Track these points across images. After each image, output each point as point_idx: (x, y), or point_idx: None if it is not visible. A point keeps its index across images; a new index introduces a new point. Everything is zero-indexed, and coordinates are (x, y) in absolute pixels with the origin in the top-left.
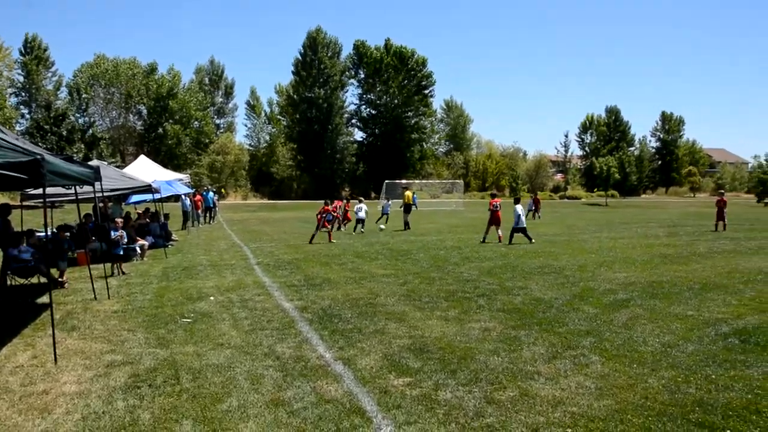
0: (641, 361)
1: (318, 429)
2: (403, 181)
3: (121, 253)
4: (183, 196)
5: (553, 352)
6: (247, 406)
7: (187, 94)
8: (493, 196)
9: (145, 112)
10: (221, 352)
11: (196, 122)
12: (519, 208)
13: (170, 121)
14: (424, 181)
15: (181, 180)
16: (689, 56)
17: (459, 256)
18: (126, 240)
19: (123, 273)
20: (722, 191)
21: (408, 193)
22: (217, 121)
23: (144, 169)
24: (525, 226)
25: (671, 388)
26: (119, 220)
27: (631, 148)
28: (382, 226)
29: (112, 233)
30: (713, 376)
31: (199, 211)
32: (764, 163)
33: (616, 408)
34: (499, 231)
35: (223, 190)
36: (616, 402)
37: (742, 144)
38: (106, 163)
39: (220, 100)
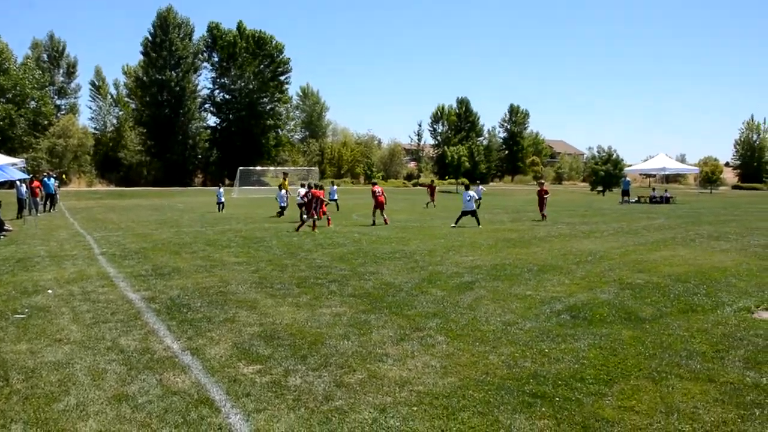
0: (483, 339)
1: (163, 422)
2: (258, 168)
3: None
4: (18, 183)
5: (401, 334)
6: (87, 403)
7: (21, 70)
8: (373, 184)
9: None
10: (59, 348)
11: (32, 102)
12: (470, 193)
13: (1, 99)
14: (279, 168)
15: (15, 165)
16: (535, 52)
17: (312, 242)
18: None
19: None
20: (542, 182)
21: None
22: (58, 102)
23: None
24: (475, 209)
25: (509, 363)
26: None
27: (481, 138)
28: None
29: None
30: (546, 350)
31: (38, 199)
32: (596, 154)
33: (459, 384)
34: (384, 214)
35: (64, 176)
36: (459, 379)
37: (578, 136)
38: None
39: (61, 79)
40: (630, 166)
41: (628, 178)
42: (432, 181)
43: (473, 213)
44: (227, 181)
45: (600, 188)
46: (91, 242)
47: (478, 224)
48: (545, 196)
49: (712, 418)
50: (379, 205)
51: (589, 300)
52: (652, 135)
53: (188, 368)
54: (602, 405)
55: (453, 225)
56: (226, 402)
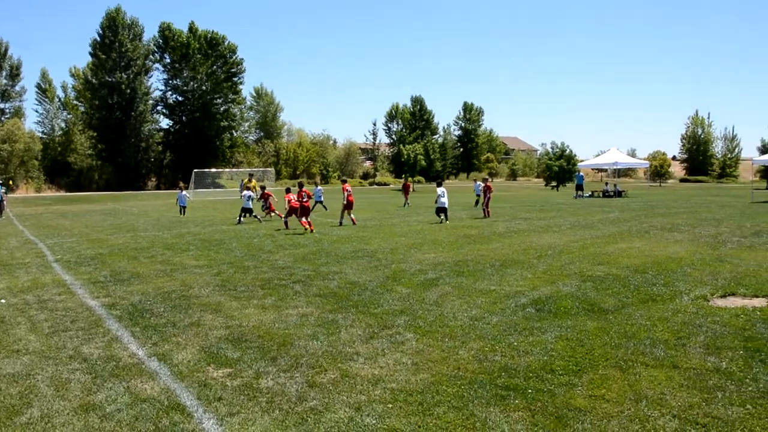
0: (452, 335)
1: (135, 430)
2: (213, 170)
3: None
4: None
5: (370, 333)
6: (52, 415)
7: None
8: (344, 182)
9: None
10: (18, 359)
11: None
12: (442, 190)
13: None
14: (234, 170)
15: None
16: (488, 49)
17: (273, 243)
18: None
19: None
20: (487, 178)
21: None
22: (2, 106)
23: None
24: (446, 206)
25: (480, 357)
26: None
27: (436, 136)
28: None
29: None
30: (515, 343)
31: None
32: (550, 150)
33: (432, 380)
34: (352, 214)
35: (10, 182)
36: (431, 375)
37: (532, 133)
38: None
39: (5, 81)
40: (583, 161)
41: (581, 173)
42: (407, 180)
43: (445, 210)
44: (181, 184)
45: (554, 184)
46: (44, 249)
47: (446, 220)
48: (488, 194)
49: (679, 403)
50: (349, 205)
51: (552, 293)
52: (603, 130)
53: (156, 374)
54: (573, 395)
55: (439, 221)
56: (197, 407)
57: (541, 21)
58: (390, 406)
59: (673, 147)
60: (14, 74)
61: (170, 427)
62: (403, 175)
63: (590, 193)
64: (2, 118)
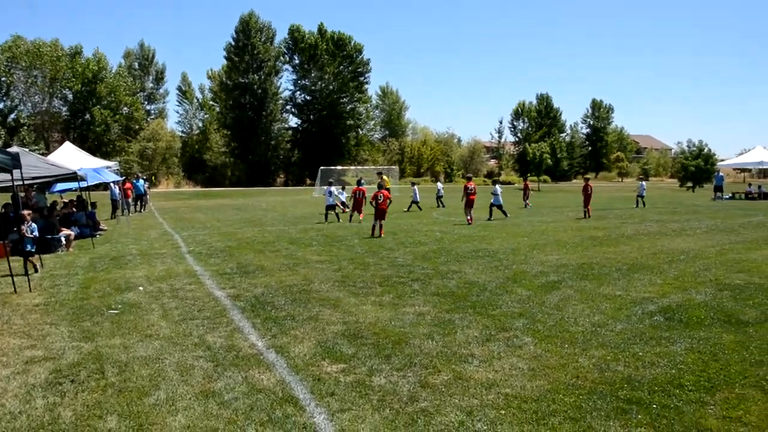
0: (572, 341)
1: (249, 419)
2: (338, 167)
3: (29, 248)
4: (111, 184)
5: (486, 335)
6: (176, 398)
7: (115, 79)
8: (468, 178)
9: (70, 96)
10: (149, 343)
11: (125, 108)
12: (497, 188)
13: (98, 106)
14: (360, 167)
15: (109, 167)
16: (617, 45)
17: (394, 241)
18: (35, 234)
19: (36, 270)
20: (588, 177)
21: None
22: (148, 107)
23: (69, 156)
24: (501, 203)
25: (601, 366)
26: (26, 212)
27: (563, 135)
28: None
29: (24, 227)
30: (640, 354)
31: (129, 200)
32: (686, 149)
33: (549, 388)
34: (471, 213)
35: (153, 178)
36: (548, 382)
37: (667, 131)
38: (26, 149)
39: (151, 85)
40: (723, 160)
41: (721, 173)
42: (526, 180)
43: (500, 206)
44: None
45: (690, 184)
46: (179, 241)
47: (506, 216)
48: (589, 193)
49: None
50: (470, 203)
51: (683, 301)
52: (747, 128)
53: (273, 366)
54: (704, 414)
55: (488, 219)
56: (310, 401)
57: (674, 15)
58: (503, 412)
59: None
60: (159, 78)
61: (282, 419)
62: (528, 174)
63: (731, 194)
64: (148, 119)
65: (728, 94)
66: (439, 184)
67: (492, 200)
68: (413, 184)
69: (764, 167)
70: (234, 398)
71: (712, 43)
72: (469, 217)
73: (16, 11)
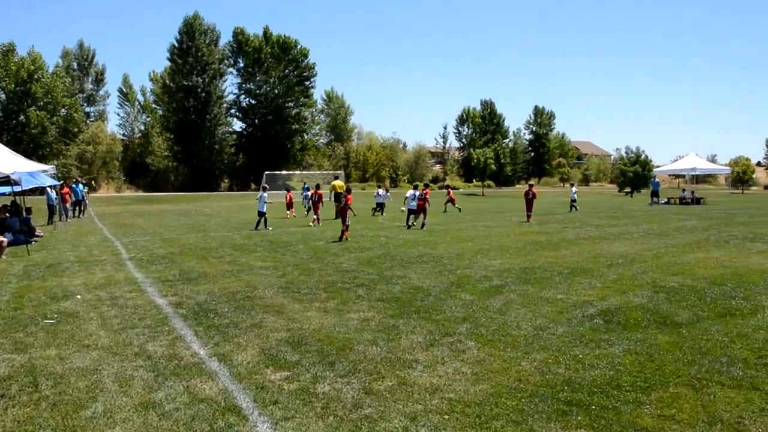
0: (515, 344)
1: (191, 430)
2: (284, 172)
3: None
4: (48, 189)
5: (430, 340)
6: (114, 410)
7: (52, 79)
8: (425, 186)
9: (3, 97)
10: (87, 354)
11: (63, 109)
12: (413, 193)
13: (33, 107)
14: (305, 172)
15: (45, 171)
16: (559, 53)
17: (339, 247)
18: None
19: None
20: (531, 183)
21: (337, 182)
22: (87, 110)
23: (2, 159)
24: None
25: (542, 369)
26: None
27: (506, 140)
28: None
29: None
30: (580, 356)
31: (67, 205)
32: (624, 155)
33: (491, 392)
34: (418, 220)
35: (93, 182)
36: (491, 386)
37: (605, 137)
38: None
39: (90, 86)
40: (659, 166)
41: (657, 179)
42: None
43: (416, 212)
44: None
45: (628, 189)
46: (120, 247)
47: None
48: (531, 198)
49: (759, 429)
50: (420, 209)
51: (622, 304)
52: (681, 135)
53: (215, 375)
54: (641, 413)
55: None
56: (253, 410)
57: (615, 21)
58: (446, 417)
59: (757, 152)
60: (99, 79)
61: (225, 429)
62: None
63: (666, 200)
64: (87, 122)
65: (663, 101)
66: (380, 189)
67: (409, 205)
68: (379, 187)
69: (697, 173)
70: (175, 409)
71: (648, 49)
72: (413, 223)
73: None
